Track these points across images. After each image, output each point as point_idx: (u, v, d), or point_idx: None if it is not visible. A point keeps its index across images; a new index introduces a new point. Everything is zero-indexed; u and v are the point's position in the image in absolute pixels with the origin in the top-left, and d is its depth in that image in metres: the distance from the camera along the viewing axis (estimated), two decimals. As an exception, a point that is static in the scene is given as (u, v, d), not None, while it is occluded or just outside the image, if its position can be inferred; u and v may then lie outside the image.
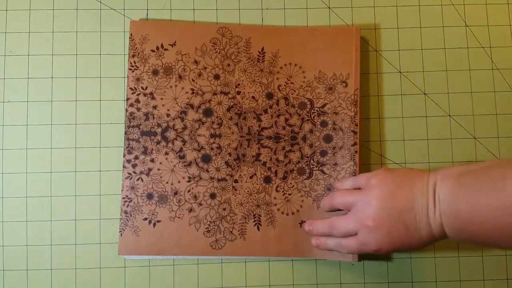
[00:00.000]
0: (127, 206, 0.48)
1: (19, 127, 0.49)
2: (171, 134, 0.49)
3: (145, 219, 0.48)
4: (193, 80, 0.49)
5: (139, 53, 0.50)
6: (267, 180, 0.48)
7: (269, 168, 0.49)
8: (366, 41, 0.52)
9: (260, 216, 0.48)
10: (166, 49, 0.50)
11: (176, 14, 0.52)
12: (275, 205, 0.48)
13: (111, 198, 0.49)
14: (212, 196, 0.48)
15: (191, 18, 0.52)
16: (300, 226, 0.48)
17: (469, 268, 0.49)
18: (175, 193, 0.48)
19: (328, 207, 0.45)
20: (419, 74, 0.52)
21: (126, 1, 0.51)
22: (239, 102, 0.49)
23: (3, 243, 0.48)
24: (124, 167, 0.48)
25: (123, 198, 0.48)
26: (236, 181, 0.48)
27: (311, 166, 0.48)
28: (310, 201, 0.48)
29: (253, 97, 0.49)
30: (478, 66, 0.52)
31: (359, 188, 0.43)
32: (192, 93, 0.49)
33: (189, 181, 0.48)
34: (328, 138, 0.48)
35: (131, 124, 0.49)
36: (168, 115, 0.49)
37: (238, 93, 0.50)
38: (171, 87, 0.49)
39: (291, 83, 0.50)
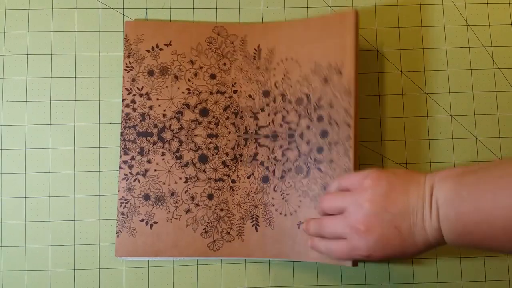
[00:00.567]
0: (123, 208, 0.47)
1: (17, 127, 0.49)
2: (167, 135, 0.49)
3: (142, 220, 0.47)
4: (189, 80, 0.49)
5: (134, 53, 0.49)
6: (265, 179, 0.48)
7: (267, 168, 0.48)
8: (366, 40, 0.52)
9: (258, 216, 0.48)
10: (161, 49, 0.49)
11: (176, 13, 0.51)
12: (273, 205, 0.48)
13: (110, 199, 0.49)
14: (210, 196, 0.48)
15: (190, 17, 0.51)
16: (299, 227, 0.46)
17: (471, 269, 0.49)
18: (172, 194, 0.48)
19: (320, 213, 0.43)
20: (420, 73, 0.51)
21: (126, 1, 0.51)
22: (236, 101, 0.49)
23: (1, 243, 0.48)
24: (120, 168, 0.48)
25: (119, 199, 0.48)
26: (233, 181, 0.48)
27: (308, 164, 0.47)
28: (308, 201, 0.46)
29: (249, 95, 0.49)
30: (479, 66, 0.51)
31: (348, 190, 0.40)
32: (188, 93, 0.49)
33: (186, 181, 0.48)
34: (324, 133, 0.46)
35: (127, 125, 0.48)
36: (164, 115, 0.49)
37: (235, 92, 0.49)
38: (167, 87, 0.49)
39: (288, 78, 0.49)
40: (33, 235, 0.48)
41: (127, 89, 0.49)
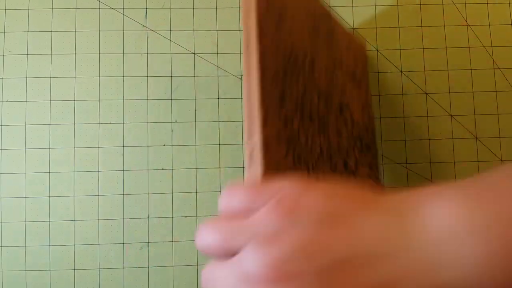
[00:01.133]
0: None
1: (17, 127, 0.49)
2: None
3: None
4: None
5: None
6: None
7: None
8: (367, 40, 0.51)
9: None
10: None
11: (176, 13, 0.51)
12: None
13: (110, 199, 0.49)
14: None
15: (190, 17, 0.51)
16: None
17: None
18: None
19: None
20: (420, 73, 0.51)
21: (125, 1, 0.51)
22: None
23: (1, 243, 0.48)
24: None
25: None
26: None
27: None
28: None
29: None
30: (479, 66, 0.51)
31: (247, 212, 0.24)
32: None
33: None
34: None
35: None
36: None
37: None
38: None
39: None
40: (33, 235, 0.48)
41: None
